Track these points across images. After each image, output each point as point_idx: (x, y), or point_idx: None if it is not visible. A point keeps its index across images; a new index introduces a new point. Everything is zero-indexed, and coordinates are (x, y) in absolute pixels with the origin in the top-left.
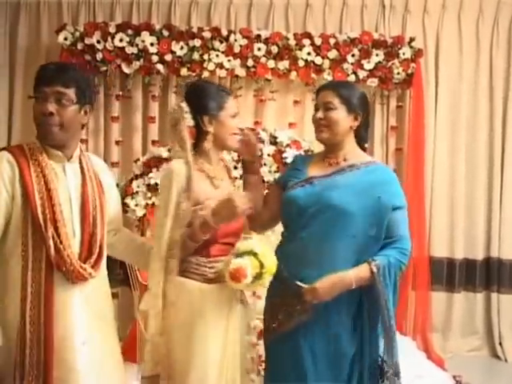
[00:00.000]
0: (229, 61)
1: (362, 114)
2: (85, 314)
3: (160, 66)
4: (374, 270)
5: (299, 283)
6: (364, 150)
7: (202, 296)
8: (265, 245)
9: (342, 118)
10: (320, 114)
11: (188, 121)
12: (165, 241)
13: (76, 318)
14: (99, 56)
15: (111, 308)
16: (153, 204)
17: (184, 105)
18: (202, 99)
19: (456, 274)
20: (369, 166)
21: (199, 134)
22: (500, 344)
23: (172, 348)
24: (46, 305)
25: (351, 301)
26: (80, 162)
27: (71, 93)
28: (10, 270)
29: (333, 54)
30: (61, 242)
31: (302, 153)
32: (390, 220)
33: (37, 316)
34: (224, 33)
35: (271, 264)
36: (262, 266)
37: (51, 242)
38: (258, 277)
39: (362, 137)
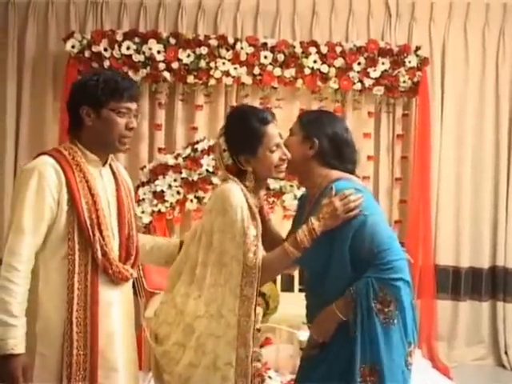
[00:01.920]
0: (235, 69)
1: (321, 142)
2: (122, 314)
3: (167, 74)
4: (348, 296)
5: (305, 322)
6: (351, 173)
7: None
8: (275, 288)
9: (296, 143)
10: (284, 140)
11: (226, 160)
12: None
13: (116, 318)
14: (106, 64)
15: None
16: (159, 211)
17: (222, 141)
18: (234, 136)
19: (462, 283)
20: (323, 193)
21: (239, 172)
22: (506, 353)
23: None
24: (92, 306)
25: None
26: (111, 167)
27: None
28: (51, 273)
29: (339, 62)
30: (106, 245)
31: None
32: (357, 238)
33: (83, 318)
34: (230, 41)
35: (275, 305)
36: (267, 306)
37: (98, 246)
38: (262, 316)
39: (336, 167)
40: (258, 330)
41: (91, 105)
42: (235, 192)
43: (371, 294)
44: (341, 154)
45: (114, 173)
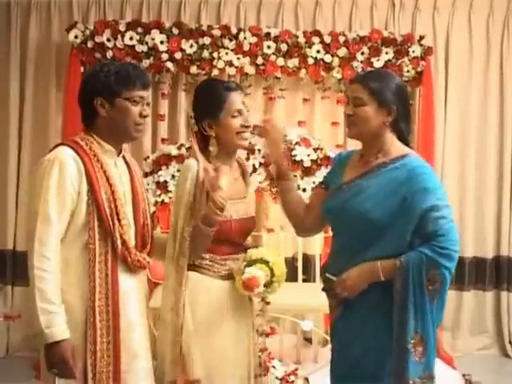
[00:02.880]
0: (238, 59)
1: (397, 107)
2: (139, 302)
3: (170, 64)
4: (398, 262)
5: (328, 275)
6: (407, 144)
7: (219, 292)
8: (275, 253)
9: (373, 114)
10: (349, 110)
11: (192, 126)
12: (177, 236)
13: (134, 306)
14: (109, 54)
15: None
16: (162, 201)
17: (190, 110)
18: (199, 103)
19: (466, 273)
20: (396, 162)
21: (204, 138)
22: (510, 342)
23: (191, 346)
24: (113, 295)
25: (384, 297)
26: (123, 158)
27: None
28: (71, 262)
29: (342, 51)
30: (125, 234)
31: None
32: (423, 220)
33: (105, 306)
34: (234, 31)
35: (281, 273)
36: (272, 274)
37: (117, 235)
38: (267, 285)
39: (402, 131)
40: (267, 303)
41: (105, 95)
42: (187, 167)
43: (424, 268)
44: (408, 116)
45: (127, 163)
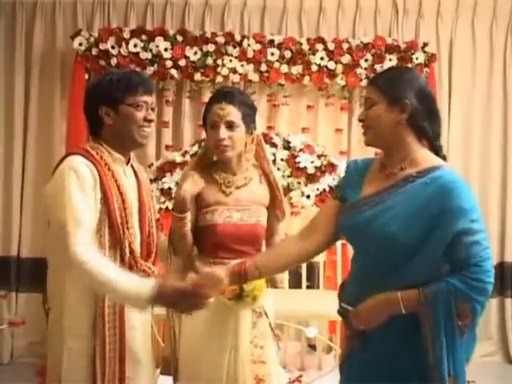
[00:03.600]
0: (242, 66)
1: (412, 102)
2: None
3: (174, 71)
4: (421, 294)
5: (344, 305)
6: (437, 151)
7: None
8: (263, 286)
9: (384, 112)
10: (361, 115)
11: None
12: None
13: (138, 313)
14: (114, 61)
15: None
16: (166, 208)
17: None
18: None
19: None
20: (426, 176)
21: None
22: None
23: (181, 348)
24: (121, 303)
25: (406, 328)
26: (132, 167)
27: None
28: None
29: (346, 58)
30: (132, 243)
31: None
32: (454, 245)
33: (112, 314)
34: (237, 38)
35: (254, 289)
36: (241, 289)
37: (126, 244)
38: (237, 298)
39: (426, 131)
40: (260, 315)
41: (109, 104)
42: (183, 171)
43: (452, 301)
44: (431, 112)
45: (135, 172)
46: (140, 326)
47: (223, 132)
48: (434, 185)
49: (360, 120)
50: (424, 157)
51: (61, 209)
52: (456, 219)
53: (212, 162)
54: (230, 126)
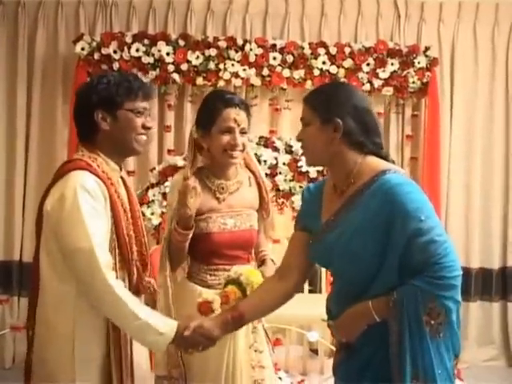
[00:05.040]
0: (244, 70)
1: (345, 120)
2: None
3: (176, 76)
4: (391, 300)
5: (325, 320)
6: (384, 158)
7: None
8: (256, 275)
9: (316, 133)
10: (298, 135)
11: (193, 133)
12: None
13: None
14: (116, 66)
15: None
16: None
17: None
18: (198, 112)
19: (472, 284)
20: (371, 186)
21: (201, 148)
22: None
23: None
24: None
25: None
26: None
27: None
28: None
29: (348, 62)
30: (137, 261)
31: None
32: (409, 249)
33: (124, 335)
34: (239, 42)
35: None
36: (244, 293)
37: (134, 263)
38: None
39: (365, 145)
40: (259, 320)
41: (106, 108)
42: (176, 180)
43: (420, 304)
44: (366, 126)
45: (123, 179)
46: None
47: (239, 138)
48: (379, 194)
49: (298, 140)
50: (368, 166)
51: (82, 234)
52: (405, 222)
53: (200, 168)
54: (243, 132)
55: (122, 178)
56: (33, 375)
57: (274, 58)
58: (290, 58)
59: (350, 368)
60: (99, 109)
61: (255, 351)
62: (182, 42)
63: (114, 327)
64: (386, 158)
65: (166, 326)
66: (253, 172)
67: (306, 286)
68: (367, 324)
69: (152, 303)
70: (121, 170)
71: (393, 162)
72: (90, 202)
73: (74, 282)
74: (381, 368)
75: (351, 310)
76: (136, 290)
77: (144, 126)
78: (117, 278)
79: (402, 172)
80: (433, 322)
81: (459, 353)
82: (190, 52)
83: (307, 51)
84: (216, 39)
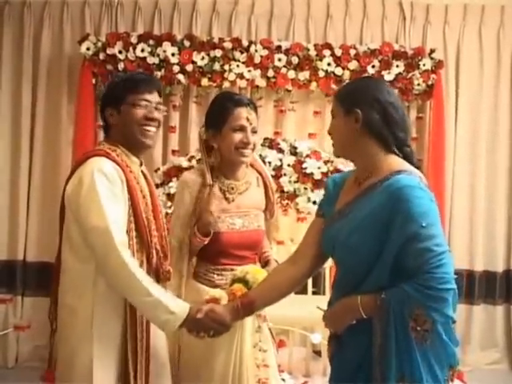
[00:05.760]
0: (249, 71)
1: (364, 110)
2: None
3: (181, 76)
4: (378, 299)
5: (318, 307)
6: (406, 156)
7: None
8: (262, 273)
9: (341, 123)
10: (329, 128)
11: (202, 134)
12: (175, 244)
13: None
14: (121, 66)
15: None
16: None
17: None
18: (207, 113)
19: (476, 286)
20: (382, 185)
21: (210, 148)
22: None
23: (184, 351)
24: None
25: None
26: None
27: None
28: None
29: (353, 64)
30: (157, 245)
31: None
32: (405, 250)
33: (140, 316)
34: (245, 43)
35: None
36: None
37: (153, 245)
38: None
39: (387, 138)
40: (264, 320)
41: (113, 104)
42: (186, 178)
43: (406, 308)
44: (390, 119)
45: (144, 175)
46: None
47: (251, 137)
48: (386, 192)
49: (328, 133)
50: (388, 165)
51: (98, 214)
52: (405, 225)
53: (210, 168)
54: (254, 131)
55: (143, 172)
56: (55, 357)
57: (279, 60)
58: (295, 60)
59: (342, 361)
60: (108, 106)
61: (259, 350)
62: (187, 43)
63: (132, 307)
64: (409, 156)
65: (178, 306)
66: (259, 172)
67: (310, 288)
68: (354, 319)
69: None
70: (141, 164)
71: (418, 162)
72: (106, 184)
73: (94, 262)
74: (370, 368)
75: (341, 302)
76: (156, 275)
77: (147, 117)
78: (133, 256)
79: (418, 175)
80: (419, 329)
81: (455, 364)
82: (195, 53)
83: (312, 53)
84: (221, 40)
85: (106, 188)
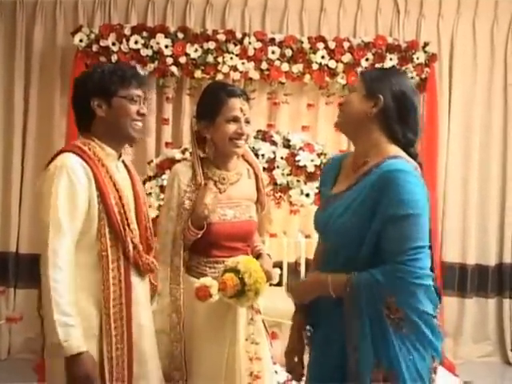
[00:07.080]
0: (243, 63)
1: (387, 100)
2: (147, 306)
3: (174, 68)
4: (346, 280)
5: (291, 278)
6: (411, 157)
7: None
8: (254, 263)
9: (357, 100)
10: (341, 100)
11: (193, 125)
12: (168, 238)
13: (145, 309)
14: (114, 58)
15: None
16: None
17: (194, 109)
18: (200, 104)
19: (468, 280)
20: (377, 168)
21: (202, 139)
22: None
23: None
24: (127, 301)
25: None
26: (123, 161)
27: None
28: (84, 271)
29: (347, 57)
30: (135, 238)
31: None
32: (383, 233)
33: (119, 312)
34: (238, 36)
35: (254, 281)
36: (243, 283)
37: (129, 240)
38: (239, 294)
39: (396, 134)
40: (257, 312)
41: (101, 96)
42: (178, 170)
43: (375, 295)
44: (405, 118)
45: (126, 166)
46: (146, 324)
47: (245, 127)
48: (377, 174)
49: (339, 104)
50: (386, 151)
51: (46, 209)
52: (388, 208)
53: (201, 159)
54: (247, 121)
55: (124, 164)
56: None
57: (273, 52)
58: (288, 52)
59: (315, 344)
60: (95, 96)
61: (252, 343)
62: (180, 35)
63: (106, 301)
64: (413, 157)
65: (81, 343)
66: (250, 164)
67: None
68: (321, 294)
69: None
70: (120, 156)
71: (420, 164)
72: (65, 184)
73: (73, 254)
74: (340, 348)
75: (312, 276)
76: (136, 268)
77: (139, 113)
78: (106, 253)
79: (413, 164)
80: (392, 317)
81: (438, 355)
82: (188, 45)
83: (306, 45)
84: (215, 32)
85: (64, 188)
